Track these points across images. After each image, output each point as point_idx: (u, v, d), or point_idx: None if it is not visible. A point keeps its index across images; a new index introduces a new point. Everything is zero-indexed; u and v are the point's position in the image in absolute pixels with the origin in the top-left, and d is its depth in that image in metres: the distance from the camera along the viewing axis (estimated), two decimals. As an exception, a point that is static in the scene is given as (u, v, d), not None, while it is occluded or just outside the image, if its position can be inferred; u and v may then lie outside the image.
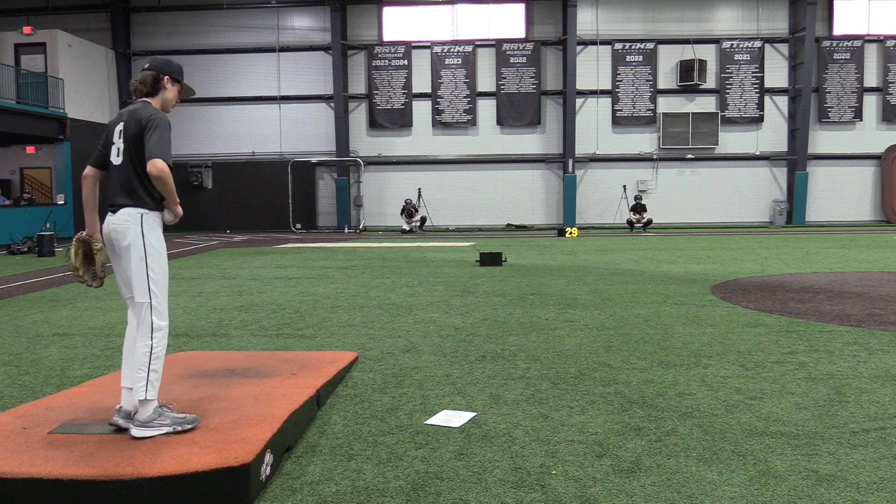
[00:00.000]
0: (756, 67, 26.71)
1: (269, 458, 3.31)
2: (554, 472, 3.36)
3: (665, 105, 26.95)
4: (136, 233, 3.47)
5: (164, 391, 4.26)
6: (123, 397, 3.59)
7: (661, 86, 26.89)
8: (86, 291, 10.14)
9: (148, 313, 3.48)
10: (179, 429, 3.48)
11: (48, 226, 18.91)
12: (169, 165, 3.45)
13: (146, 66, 3.67)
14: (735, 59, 26.68)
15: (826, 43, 26.58)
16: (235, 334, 6.84)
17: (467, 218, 27.34)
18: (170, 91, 3.68)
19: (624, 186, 26.91)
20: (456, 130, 27.21)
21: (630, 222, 24.52)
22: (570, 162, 26.39)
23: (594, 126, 27.01)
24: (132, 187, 3.51)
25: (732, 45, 26.65)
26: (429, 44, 26.97)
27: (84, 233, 3.75)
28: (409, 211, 25.23)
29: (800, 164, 26.34)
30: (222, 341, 6.52)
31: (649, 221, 24.36)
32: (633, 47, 26.74)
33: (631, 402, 4.43)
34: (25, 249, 17.61)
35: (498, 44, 26.84)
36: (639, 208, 24.48)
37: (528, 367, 5.38)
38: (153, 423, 3.45)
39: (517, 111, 26.95)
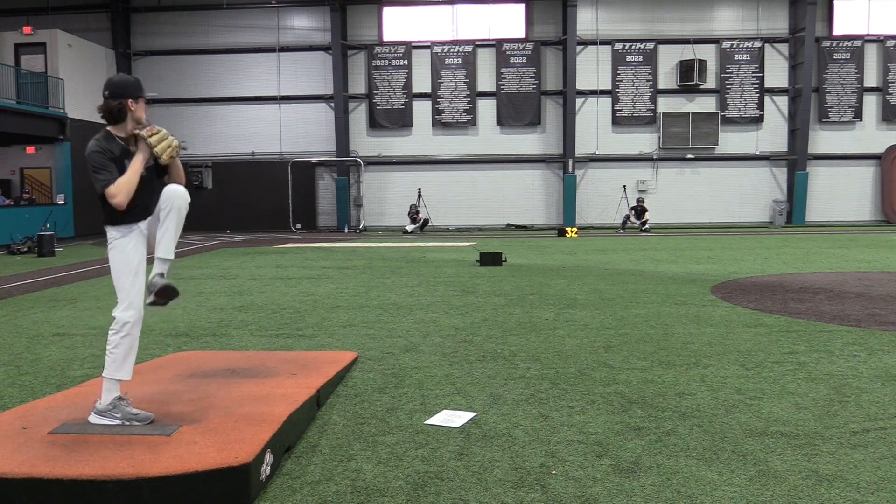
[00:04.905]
0: (756, 67, 26.70)
1: (269, 458, 3.31)
2: (554, 472, 3.36)
3: (665, 105, 26.94)
4: (108, 245, 3.80)
5: (164, 391, 4.27)
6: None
7: (661, 86, 26.87)
8: (86, 291, 10.14)
9: (117, 307, 3.77)
10: (128, 423, 3.64)
11: (48, 226, 18.90)
12: (108, 185, 3.62)
13: (106, 93, 3.70)
14: (735, 59, 26.67)
15: (826, 43, 26.56)
16: (235, 334, 6.84)
17: (467, 218, 27.34)
18: (138, 110, 3.75)
19: (624, 186, 26.91)
20: (456, 130, 27.20)
21: (624, 221, 24.48)
22: (570, 162, 26.38)
23: (594, 126, 27.01)
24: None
25: (732, 45, 26.65)
26: (429, 44, 26.96)
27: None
28: (412, 215, 25.39)
29: (800, 164, 26.33)
30: (222, 341, 6.52)
31: (646, 229, 23.89)
32: (633, 47, 26.73)
33: (631, 402, 4.43)
34: (25, 249, 17.61)
35: (498, 44, 26.83)
36: (640, 211, 24.35)
37: (528, 367, 5.38)
38: (107, 413, 3.67)
39: (517, 111, 26.94)
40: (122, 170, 3.68)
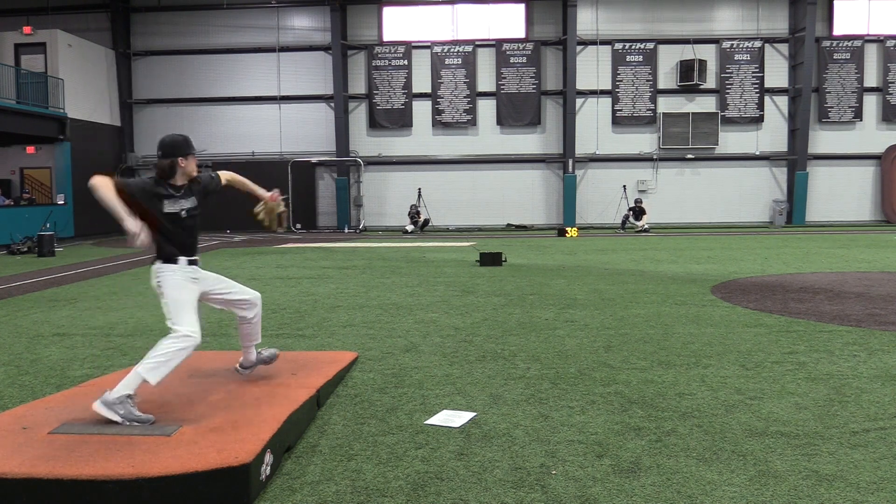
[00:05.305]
0: (756, 67, 26.69)
1: (269, 458, 3.31)
2: (554, 472, 3.36)
3: (665, 105, 26.93)
4: (154, 280, 4.13)
5: (164, 391, 4.27)
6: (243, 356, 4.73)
7: (661, 86, 26.85)
8: (86, 291, 10.14)
9: (170, 325, 4.05)
10: (127, 423, 3.69)
11: (48, 226, 18.90)
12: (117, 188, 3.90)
13: (159, 153, 4.10)
14: (735, 59, 26.66)
15: (826, 43, 26.55)
16: (235, 334, 6.82)
17: (467, 218, 27.33)
18: (188, 166, 4.18)
19: (624, 186, 26.90)
20: (456, 130, 27.20)
21: (623, 222, 24.45)
22: (570, 162, 26.38)
23: (594, 126, 27.00)
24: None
25: (732, 45, 26.64)
26: (429, 44, 26.95)
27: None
28: (412, 216, 25.40)
29: (800, 164, 26.32)
30: (222, 341, 6.52)
31: (645, 230, 23.85)
32: (633, 47, 26.72)
33: (631, 402, 4.43)
34: (25, 249, 17.61)
35: (498, 44, 26.82)
36: (638, 212, 24.32)
37: (528, 367, 5.38)
38: (113, 406, 3.74)
39: (517, 111, 26.93)
40: (159, 204, 4.05)
